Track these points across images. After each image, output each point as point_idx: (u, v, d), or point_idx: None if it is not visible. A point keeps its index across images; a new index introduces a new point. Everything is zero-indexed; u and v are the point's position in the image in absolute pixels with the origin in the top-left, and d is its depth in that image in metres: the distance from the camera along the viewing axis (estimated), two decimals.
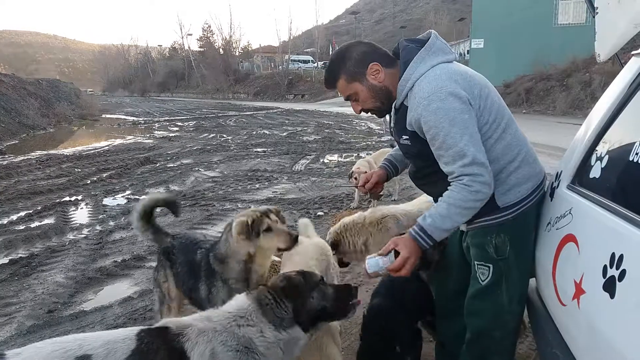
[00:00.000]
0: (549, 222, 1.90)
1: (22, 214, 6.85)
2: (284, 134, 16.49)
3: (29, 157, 12.79)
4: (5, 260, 5.02)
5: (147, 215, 2.77)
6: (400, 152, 2.39)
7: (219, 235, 2.59)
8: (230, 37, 66.69)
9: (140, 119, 27.87)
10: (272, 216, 2.40)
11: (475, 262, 2.05)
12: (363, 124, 18.90)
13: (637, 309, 1.18)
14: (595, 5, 2.02)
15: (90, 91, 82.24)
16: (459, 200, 1.77)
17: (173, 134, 17.81)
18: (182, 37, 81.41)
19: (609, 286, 1.30)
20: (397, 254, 1.92)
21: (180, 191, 8.08)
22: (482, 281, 2.02)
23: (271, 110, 29.73)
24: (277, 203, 6.95)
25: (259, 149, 12.85)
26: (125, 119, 28.29)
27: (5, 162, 11.81)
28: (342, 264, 3.44)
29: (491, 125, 1.86)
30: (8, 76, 26.95)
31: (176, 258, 2.71)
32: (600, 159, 1.71)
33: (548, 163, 6.52)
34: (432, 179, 2.01)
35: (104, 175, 9.66)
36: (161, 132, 19.03)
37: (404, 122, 1.92)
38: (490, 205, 1.90)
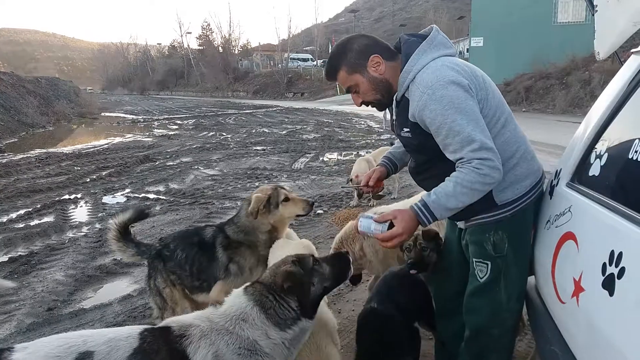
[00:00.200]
0: (549, 220, 1.90)
1: (22, 212, 6.85)
2: (284, 132, 16.48)
3: (29, 155, 12.80)
4: (5, 259, 5.02)
5: (124, 235, 2.82)
6: (399, 150, 2.39)
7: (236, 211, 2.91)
8: (230, 35, 66.83)
9: (140, 117, 27.85)
10: (286, 188, 2.72)
11: (474, 260, 2.05)
12: (362, 122, 18.88)
13: (636, 307, 1.18)
14: (594, 4, 2.03)
15: (89, 89, 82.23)
16: (466, 181, 1.74)
17: (172, 132, 17.79)
18: (182, 36, 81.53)
19: (608, 284, 1.30)
20: (392, 225, 1.88)
21: (179, 189, 8.09)
22: (480, 278, 2.02)
23: (270, 109, 29.72)
24: None
25: (258, 147, 12.85)
26: (125, 117, 28.26)
27: (4, 161, 11.81)
28: (354, 281, 3.40)
29: (491, 119, 1.86)
30: (7, 74, 26.92)
31: (173, 250, 2.77)
32: (599, 156, 1.71)
33: (547, 161, 6.52)
34: (432, 173, 2.01)
35: (104, 173, 9.66)
36: (160, 131, 19.01)
37: (406, 114, 1.91)
38: (488, 202, 1.91)
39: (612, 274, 1.29)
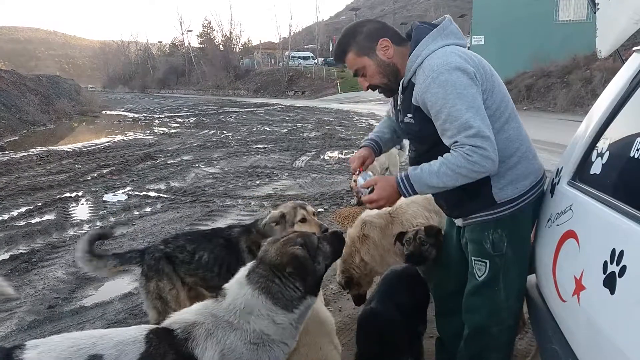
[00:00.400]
0: (550, 218, 1.90)
1: (23, 209, 6.86)
2: (284, 130, 16.47)
3: (30, 153, 12.81)
4: (6, 256, 5.03)
5: (93, 253, 2.74)
6: (384, 131, 2.35)
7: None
8: (231, 33, 66.67)
9: (141, 115, 27.84)
10: (308, 208, 2.79)
11: (473, 258, 2.05)
12: (363, 121, 18.85)
13: (638, 305, 1.17)
14: (596, 2, 2.02)
15: (90, 87, 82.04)
16: (452, 164, 1.73)
17: (173, 131, 17.78)
18: (182, 34, 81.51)
19: (609, 282, 1.30)
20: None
21: (180, 187, 8.09)
22: (479, 277, 2.02)
23: (271, 107, 29.69)
24: (277, 199, 6.95)
25: (259, 146, 12.84)
26: (126, 116, 28.24)
27: (5, 158, 11.82)
28: (359, 300, 3.35)
29: (494, 112, 1.86)
30: (8, 72, 26.98)
31: (192, 252, 2.75)
32: (600, 155, 1.70)
33: (548, 160, 6.53)
34: None
35: (105, 171, 9.68)
36: (161, 129, 19.01)
37: (411, 98, 1.90)
38: (488, 201, 1.91)
39: (613, 272, 1.29)
